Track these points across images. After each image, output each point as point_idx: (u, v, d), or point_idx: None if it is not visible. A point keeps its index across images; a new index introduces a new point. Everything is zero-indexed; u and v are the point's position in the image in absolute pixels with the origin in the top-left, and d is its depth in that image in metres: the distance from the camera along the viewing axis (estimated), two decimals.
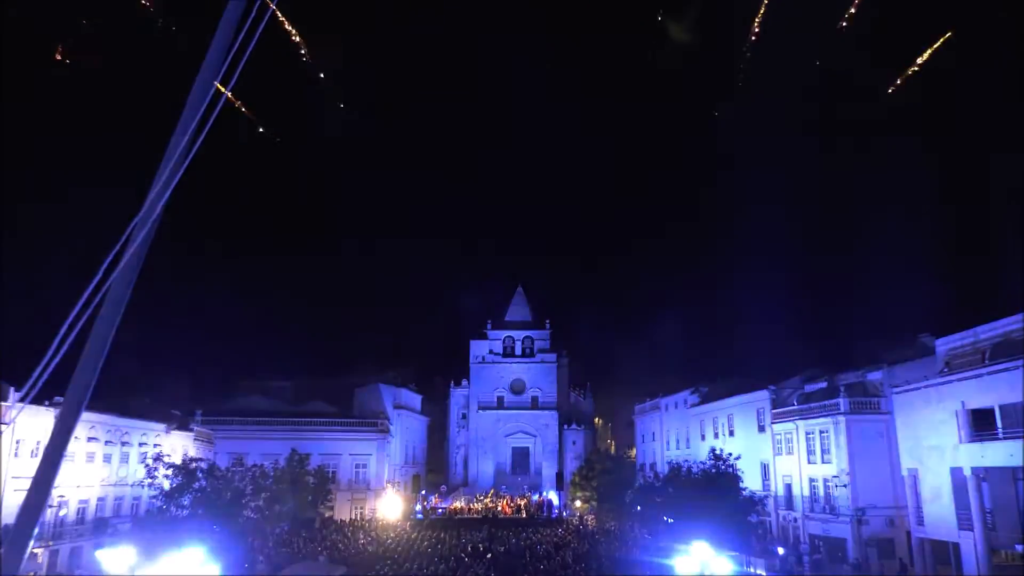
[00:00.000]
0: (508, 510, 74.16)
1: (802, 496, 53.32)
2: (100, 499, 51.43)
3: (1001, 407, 34.95)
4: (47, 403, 41.55)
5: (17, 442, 42.64)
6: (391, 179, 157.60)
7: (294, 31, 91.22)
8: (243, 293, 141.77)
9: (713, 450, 51.40)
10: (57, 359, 4.94)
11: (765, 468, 59.09)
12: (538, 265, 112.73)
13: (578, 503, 75.29)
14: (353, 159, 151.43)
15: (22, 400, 5.60)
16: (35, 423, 42.74)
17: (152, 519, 44.83)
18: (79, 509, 49.21)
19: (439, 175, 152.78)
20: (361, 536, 55.06)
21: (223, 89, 6.54)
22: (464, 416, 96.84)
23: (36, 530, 5.35)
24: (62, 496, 46.93)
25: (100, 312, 5.29)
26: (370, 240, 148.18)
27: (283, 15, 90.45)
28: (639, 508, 55.43)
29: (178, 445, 60.70)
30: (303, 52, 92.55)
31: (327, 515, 62.68)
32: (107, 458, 52.24)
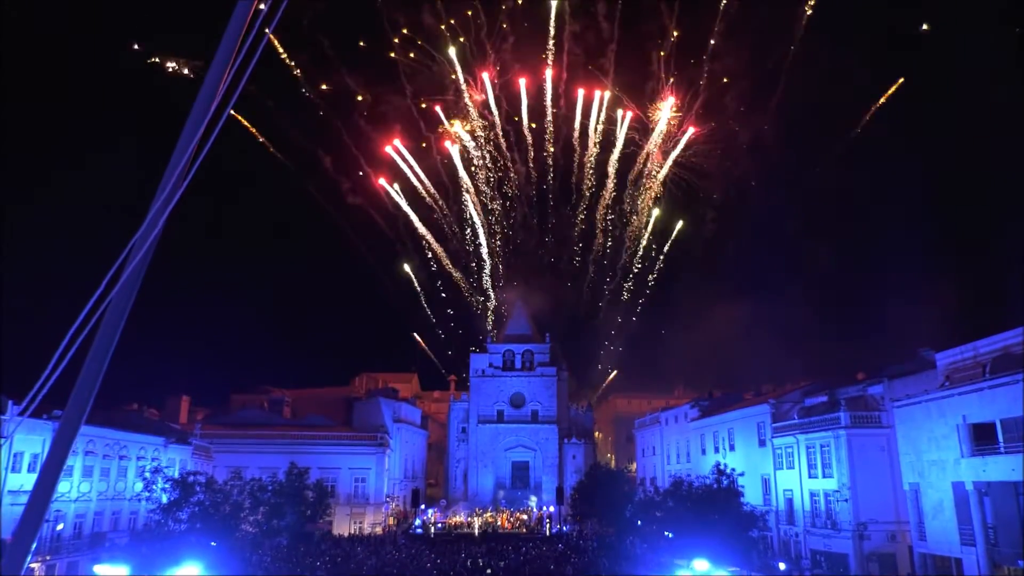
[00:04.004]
0: (508, 524, 73.75)
1: (803, 511, 53.05)
2: (97, 513, 51.18)
3: (1002, 421, 34.87)
4: (45, 416, 41.48)
5: (15, 455, 42.52)
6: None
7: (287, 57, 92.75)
8: (243, 306, 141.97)
9: (717, 464, 51.18)
10: (57, 373, 4.96)
11: (766, 482, 58.84)
12: (538, 278, 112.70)
13: (578, 518, 74.85)
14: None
15: (21, 414, 5.61)
16: (32, 436, 42.64)
17: (149, 533, 44.58)
18: (76, 523, 48.96)
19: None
20: (360, 551, 54.72)
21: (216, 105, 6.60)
22: (464, 430, 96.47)
23: (34, 545, 5.35)
24: (59, 510, 46.72)
25: (100, 327, 5.31)
26: (371, 252, 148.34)
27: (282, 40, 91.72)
28: (639, 523, 55.12)
29: (176, 459, 60.50)
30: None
31: (326, 530, 62.33)
32: (105, 472, 52.03)
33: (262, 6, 6.75)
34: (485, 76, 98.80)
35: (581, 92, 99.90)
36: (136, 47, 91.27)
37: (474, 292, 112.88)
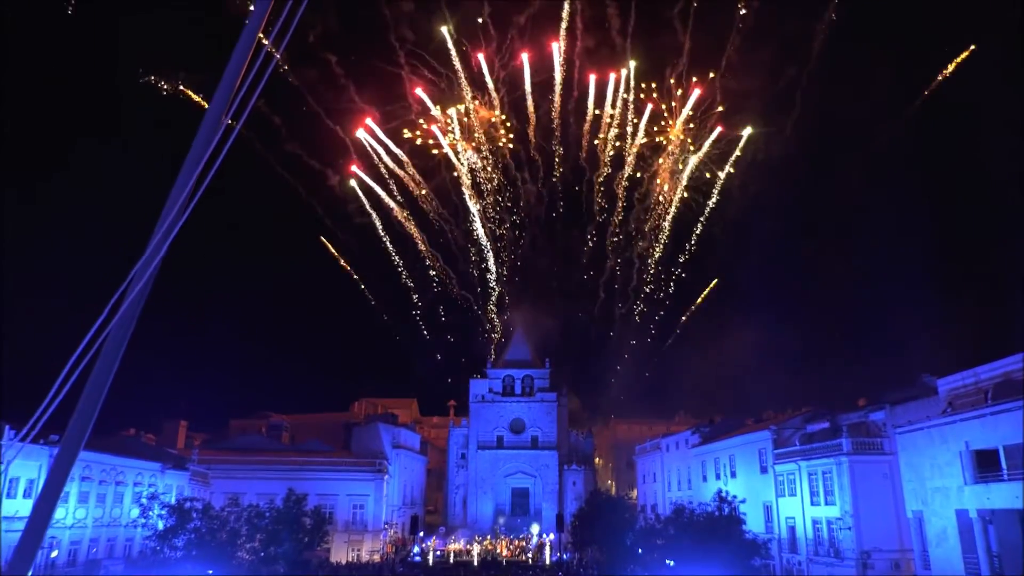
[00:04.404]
0: (508, 552, 72.94)
1: (806, 538, 52.48)
2: (93, 540, 50.63)
3: (1005, 448, 34.66)
4: (42, 442, 41.21)
5: (10, 481, 42.15)
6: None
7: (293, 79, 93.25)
8: (243, 331, 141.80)
9: (719, 492, 50.75)
10: (59, 400, 4.96)
11: (768, 510, 58.29)
12: (545, 301, 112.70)
13: (578, 545, 73.98)
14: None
15: (22, 440, 5.60)
16: (29, 462, 42.31)
17: (145, 561, 44.14)
18: (71, 550, 48.41)
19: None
20: None
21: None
22: (463, 456, 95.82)
23: (30, 573, 5.31)
24: (54, 537, 46.21)
25: (101, 354, 5.31)
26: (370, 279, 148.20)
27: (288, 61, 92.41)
28: (640, 551, 54.48)
29: (173, 484, 60.01)
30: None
31: (324, 557, 61.57)
32: (101, 498, 51.56)
33: (266, 41, 6.84)
34: (488, 74, 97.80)
35: (592, 79, 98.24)
36: (142, 71, 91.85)
37: (479, 315, 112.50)
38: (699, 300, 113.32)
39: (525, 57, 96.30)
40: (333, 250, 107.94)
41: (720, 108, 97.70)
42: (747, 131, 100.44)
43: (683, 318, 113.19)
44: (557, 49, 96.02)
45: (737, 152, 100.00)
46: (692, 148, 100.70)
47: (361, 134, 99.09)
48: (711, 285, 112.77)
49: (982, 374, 40.95)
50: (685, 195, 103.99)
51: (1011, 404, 34.30)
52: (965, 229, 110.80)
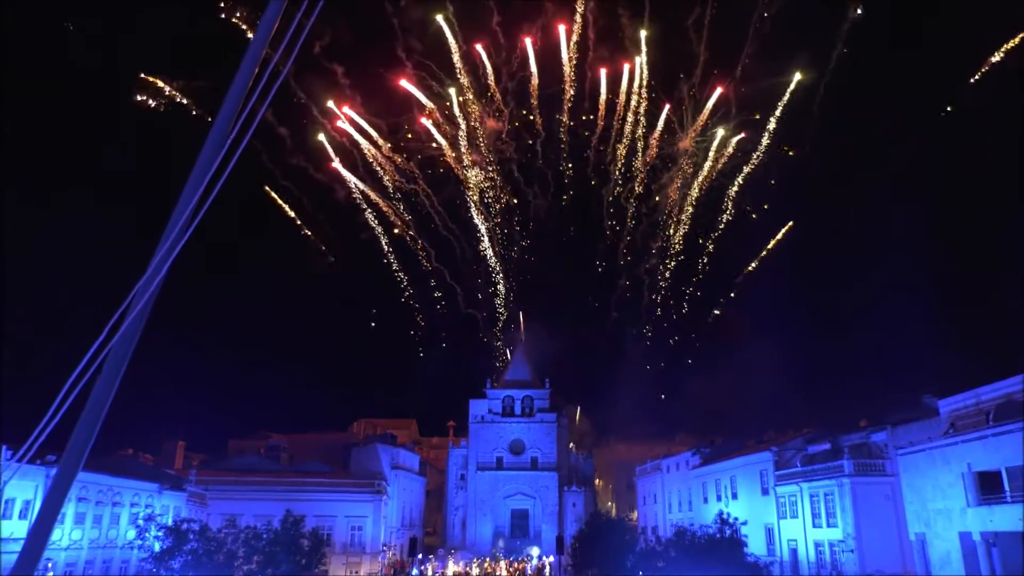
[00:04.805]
0: (508, 574, 72.25)
1: (808, 561, 52.00)
2: (88, 561, 50.17)
3: (1007, 469, 34.48)
4: (39, 462, 41.00)
5: (6, 502, 41.88)
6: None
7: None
8: (242, 350, 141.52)
9: (720, 513, 50.40)
10: (56, 420, 4.93)
11: (769, 532, 57.82)
12: (538, 324, 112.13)
13: (578, 568, 73.28)
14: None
15: (19, 460, 5.56)
16: (25, 482, 42.05)
17: None
18: (66, 571, 47.95)
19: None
20: None
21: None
22: (463, 477, 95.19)
23: None
24: (49, 559, 45.79)
25: (101, 374, 5.29)
26: (368, 297, 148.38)
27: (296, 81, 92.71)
28: (641, 573, 53.98)
29: (171, 505, 59.57)
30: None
31: None
32: (97, 519, 51.15)
33: (269, 49, 6.85)
34: (491, 73, 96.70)
35: (603, 73, 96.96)
36: (145, 84, 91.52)
37: (481, 336, 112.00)
38: (772, 243, 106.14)
39: (529, 43, 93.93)
40: (334, 261, 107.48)
41: (756, 116, 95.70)
42: (796, 76, 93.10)
43: (733, 290, 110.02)
44: (563, 33, 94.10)
45: (784, 99, 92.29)
46: (712, 133, 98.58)
47: (366, 146, 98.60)
48: (786, 227, 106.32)
49: (983, 395, 40.85)
50: (694, 215, 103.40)
51: (1013, 425, 34.19)
52: (970, 247, 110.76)
